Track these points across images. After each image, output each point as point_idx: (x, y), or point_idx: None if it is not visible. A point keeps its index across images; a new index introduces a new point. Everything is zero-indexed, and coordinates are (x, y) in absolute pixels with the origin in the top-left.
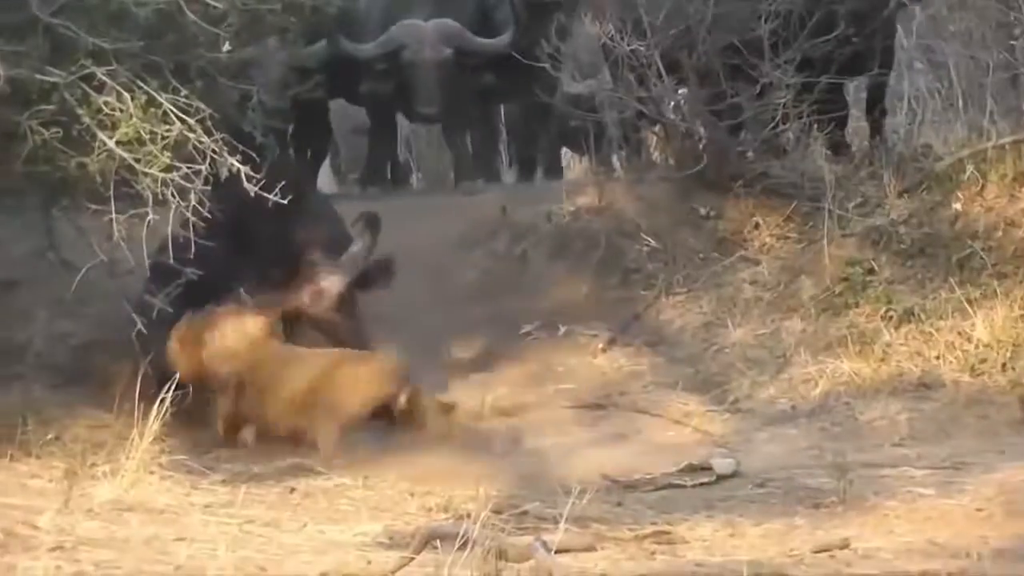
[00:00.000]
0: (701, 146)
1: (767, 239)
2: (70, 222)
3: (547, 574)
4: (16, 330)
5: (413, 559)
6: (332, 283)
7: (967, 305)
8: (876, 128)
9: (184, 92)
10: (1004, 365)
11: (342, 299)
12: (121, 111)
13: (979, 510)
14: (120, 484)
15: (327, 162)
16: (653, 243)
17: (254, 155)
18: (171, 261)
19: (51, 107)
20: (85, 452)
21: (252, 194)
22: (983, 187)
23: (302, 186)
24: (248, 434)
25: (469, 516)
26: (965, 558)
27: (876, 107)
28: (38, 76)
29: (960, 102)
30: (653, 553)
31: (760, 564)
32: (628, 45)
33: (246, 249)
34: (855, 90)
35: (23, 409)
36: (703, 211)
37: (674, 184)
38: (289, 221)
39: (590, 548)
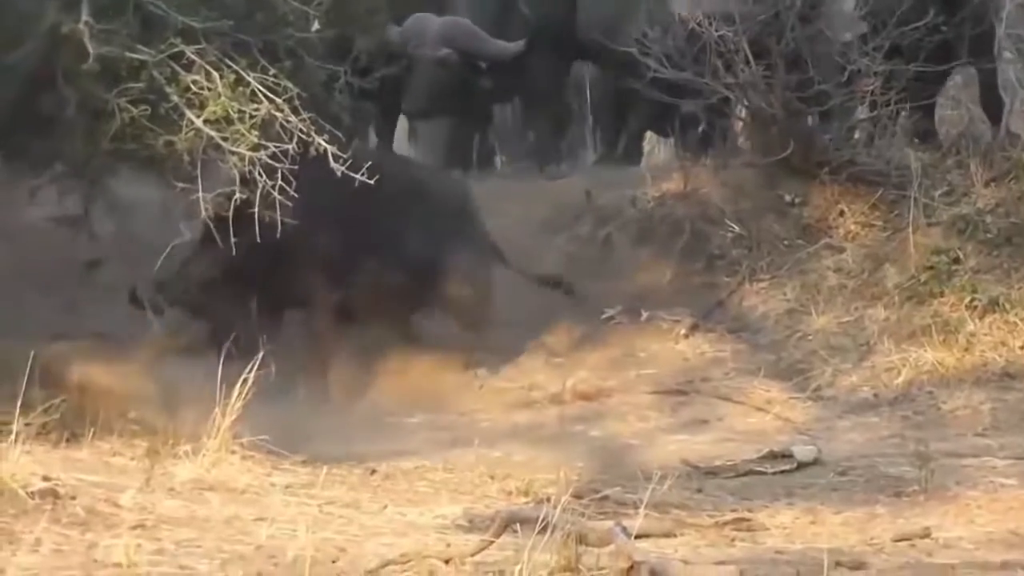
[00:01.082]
0: (787, 133)
1: (852, 226)
2: (155, 200)
3: (627, 559)
4: (100, 305)
5: (493, 542)
6: None
7: None
8: (995, 119)
9: (272, 71)
10: None
11: None
12: (209, 90)
13: None
14: (201, 463)
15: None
16: (737, 229)
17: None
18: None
19: (140, 85)
20: (167, 431)
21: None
22: None
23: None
24: None
25: (549, 500)
26: None
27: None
28: (127, 54)
29: None
30: (733, 540)
31: (840, 552)
32: (716, 31)
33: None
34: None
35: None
36: (788, 198)
37: (759, 170)
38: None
39: (670, 534)
